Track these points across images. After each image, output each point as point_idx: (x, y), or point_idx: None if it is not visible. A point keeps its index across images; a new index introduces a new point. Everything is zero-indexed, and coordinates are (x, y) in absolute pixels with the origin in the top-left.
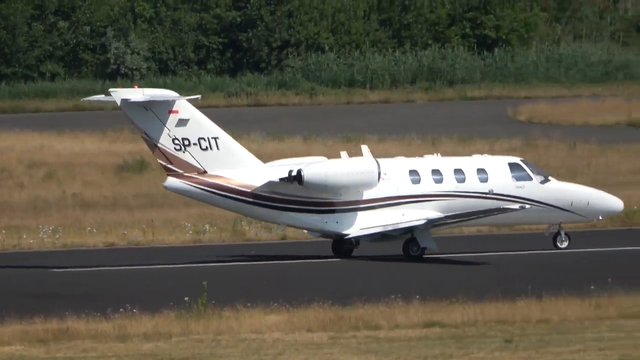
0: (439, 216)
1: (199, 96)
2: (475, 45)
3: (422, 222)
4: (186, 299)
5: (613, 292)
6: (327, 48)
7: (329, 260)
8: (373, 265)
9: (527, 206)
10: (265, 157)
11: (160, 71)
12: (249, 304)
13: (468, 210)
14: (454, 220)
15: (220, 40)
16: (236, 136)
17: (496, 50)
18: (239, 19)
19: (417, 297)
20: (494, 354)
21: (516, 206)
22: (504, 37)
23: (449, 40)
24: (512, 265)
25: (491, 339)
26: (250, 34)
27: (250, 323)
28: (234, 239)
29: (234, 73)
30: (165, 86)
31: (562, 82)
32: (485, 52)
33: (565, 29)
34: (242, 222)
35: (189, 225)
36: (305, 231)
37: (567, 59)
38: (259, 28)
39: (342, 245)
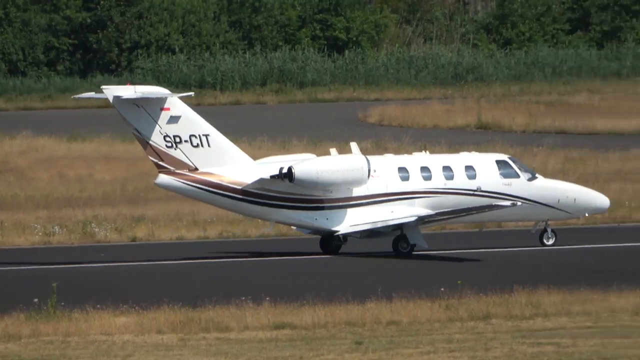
0: (430, 213)
1: (191, 93)
2: (326, 47)
3: (413, 219)
4: (35, 300)
5: (463, 294)
6: (177, 49)
7: (178, 262)
8: (226, 266)
9: (519, 203)
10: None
11: (10, 72)
12: (98, 306)
13: (458, 207)
14: (445, 217)
15: (70, 41)
16: (86, 139)
17: (346, 52)
18: (89, 20)
19: (268, 298)
20: (344, 355)
21: (508, 203)
22: (354, 39)
23: (300, 42)
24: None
25: (341, 341)
26: (100, 35)
27: (100, 325)
28: (84, 241)
29: (84, 74)
30: (14, 87)
31: (412, 84)
32: (335, 54)
33: (416, 31)
34: (92, 224)
35: (39, 227)
36: (294, 228)
37: (418, 61)
38: (109, 29)
39: (330, 242)
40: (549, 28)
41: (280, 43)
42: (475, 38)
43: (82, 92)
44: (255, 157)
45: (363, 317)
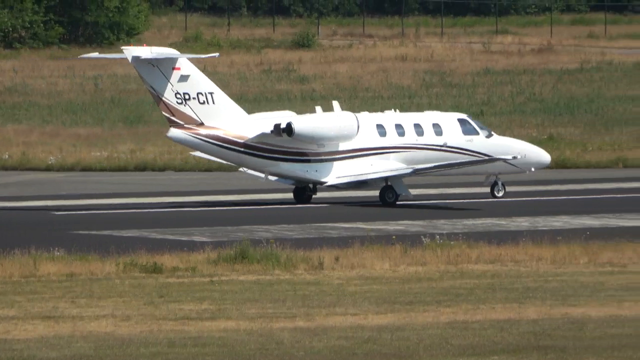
0: (427, 166)
1: (217, 54)
2: None
3: (409, 170)
4: None
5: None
6: None
7: None
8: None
9: (519, 156)
10: None
11: None
12: None
13: (433, 161)
14: (440, 169)
15: None
16: None
17: None
18: None
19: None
20: None
21: (510, 157)
22: None
23: None
24: None
25: None
26: None
27: None
28: None
29: None
30: None
31: None
32: None
33: None
34: None
35: None
36: (273, 178)
37: None
38: None
39: (303, 193)
40: None
41: None
42: None
43: None
44: None
45: None
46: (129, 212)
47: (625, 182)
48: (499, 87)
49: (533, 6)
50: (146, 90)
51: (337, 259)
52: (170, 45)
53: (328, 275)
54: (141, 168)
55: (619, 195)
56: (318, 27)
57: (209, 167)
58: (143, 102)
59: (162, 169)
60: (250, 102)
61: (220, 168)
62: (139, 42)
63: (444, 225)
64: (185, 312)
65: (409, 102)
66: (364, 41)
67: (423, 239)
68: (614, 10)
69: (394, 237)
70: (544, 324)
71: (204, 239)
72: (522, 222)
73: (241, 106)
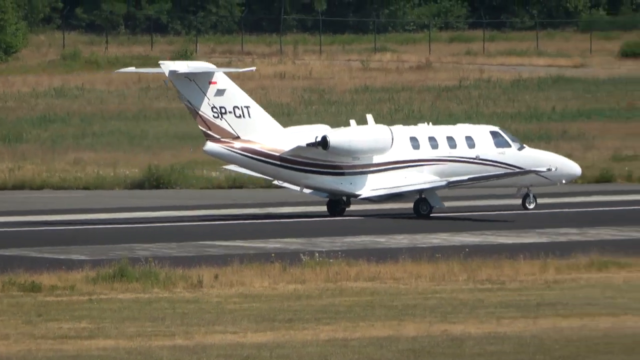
0: (461, 178)
1: (254, 68)
2: None
3: (444, 182)
4: None
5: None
6: None
7: None
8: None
9: (554, 169)
10: None
11: None
12: None
13: (469, 174)
14: (474, 182)
15: None
16: None
17: None
18: None
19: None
20: None
21: (544, 169)
22: None
23: None
24: None
25: None
26: None
27: None
28: None
29: None
30: None
31: None
32: None
33: None
34: None
35: None
36: (308, 191)
37: None
38: None
39: (337, 205)
40: None
41: None
42: None
43: None
44: None
45: None
46: (6, 231)
47: (507, 199)
48: (377, 104)
49: (412, 24)
50: (25, 108)
51: (216, 277)
52: (49, 63)
53: (207, 293)
54: (19, 186)
55: (497, 212)
56: (196, 45)
57: (87, 185)
58: (22, 120)
59: (40, 188)
60: (129, 120)
61: (98, 186)
62: (17, 60)
63: (323, 242)
64: (64, 330)
65: (287, 119)
66: (242, 59)
67: (302, 257)
68: (492, 27)
69: (273, 254)
70: (423, 341)
71: (83, 257)
72: (402, 240)
73: (120, 124)
